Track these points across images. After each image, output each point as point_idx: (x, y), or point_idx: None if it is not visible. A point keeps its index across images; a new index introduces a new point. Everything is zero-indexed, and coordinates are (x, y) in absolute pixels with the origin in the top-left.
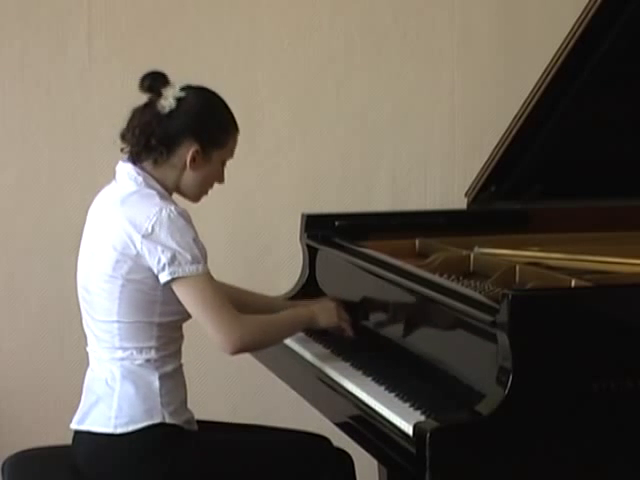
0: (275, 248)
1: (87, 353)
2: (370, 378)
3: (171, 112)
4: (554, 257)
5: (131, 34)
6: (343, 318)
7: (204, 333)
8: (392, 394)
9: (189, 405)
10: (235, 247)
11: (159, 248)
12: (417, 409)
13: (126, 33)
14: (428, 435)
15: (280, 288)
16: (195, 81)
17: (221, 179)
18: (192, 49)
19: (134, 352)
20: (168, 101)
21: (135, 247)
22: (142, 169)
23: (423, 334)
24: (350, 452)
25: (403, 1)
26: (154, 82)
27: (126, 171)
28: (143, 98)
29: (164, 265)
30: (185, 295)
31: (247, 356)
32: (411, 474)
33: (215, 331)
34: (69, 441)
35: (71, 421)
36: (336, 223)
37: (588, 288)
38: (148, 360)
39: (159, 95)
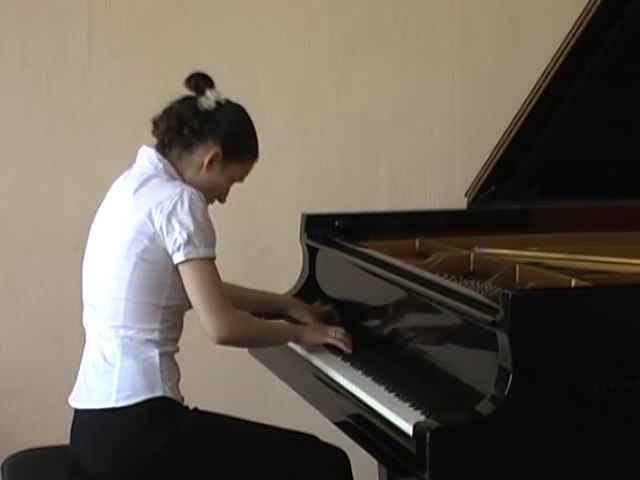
0: (275, 248)
1: None
2: (370, 378)
3: (208, 112)
4: (554, 257)
5: (131, 34)
6: (330, 335)
7: (205, 332)
8: (392, 394)
9: (189, 405)
10: (235, 247)
11: (177, 228)
12: (417, 409)
13: (126, 33)
14: (428, 435)
15: (280, 288)
16: None
17: (223, 197)
18: (192, 49)
19: (137, 331)
20: (210, 101)
21: (154, 225)
22: (165, 157)
23: (423, 334)
24: (350, 452)
25: (403, 1)
26: (201, 81)
27: (147, 155)
28: (144, 98)
29: (180, 245)
30: (191, 277)
31: (248, 356)
32: (411, 474)
33: (208, 316)
34: (69, 441)
35: (71, 422)
36: (336, 223)
37: (588, 288)
38: (149, 339)
39: (203, 93)
